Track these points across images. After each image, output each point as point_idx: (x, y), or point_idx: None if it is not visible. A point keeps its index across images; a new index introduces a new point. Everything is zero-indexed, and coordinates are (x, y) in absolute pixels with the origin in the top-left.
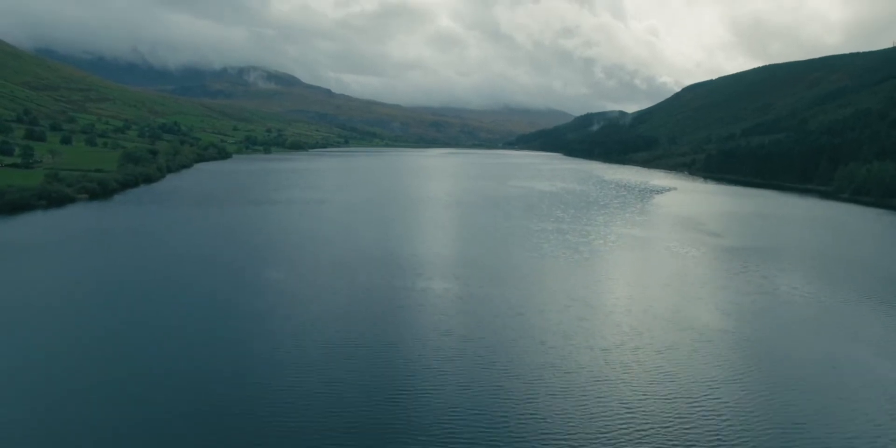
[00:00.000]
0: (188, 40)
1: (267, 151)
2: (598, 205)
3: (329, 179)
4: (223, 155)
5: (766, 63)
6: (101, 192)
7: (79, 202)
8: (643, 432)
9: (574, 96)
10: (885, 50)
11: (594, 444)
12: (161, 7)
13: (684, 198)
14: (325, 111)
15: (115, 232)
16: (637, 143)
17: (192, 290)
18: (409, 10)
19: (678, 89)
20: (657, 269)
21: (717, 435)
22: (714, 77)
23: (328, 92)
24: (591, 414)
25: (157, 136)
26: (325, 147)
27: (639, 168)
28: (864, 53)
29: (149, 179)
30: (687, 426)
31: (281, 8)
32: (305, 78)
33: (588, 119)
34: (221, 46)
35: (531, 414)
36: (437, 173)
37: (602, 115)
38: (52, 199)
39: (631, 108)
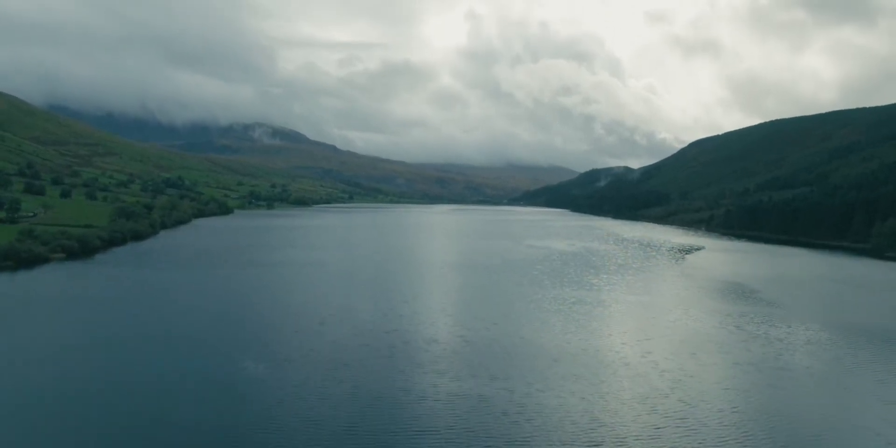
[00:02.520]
0: (196, 98)
1: (270, 207)
2: (631, 268)
3: (330, 238)
4: (224, 210)
5: (764, 119)
6: (80, 250)
7: (53, 262)
8: None
9: (575, 152)
10: (894, 105)
11: None
12: (172, 67)
13: (718, 258)
14: (330, 167)
15: (73, 298)
16: (648, 198)
17: (130, 397)
18: (411, 68)
19: (678, 145)
20: (746, 362)
21: None
22: (713, 133)
23: (333, 148)
24: None
25: (161, 190)
26: (329, 203)
27: (653, 225)
28: (873, 108)
29: (139, 236)
30: None
31: (287, 67)
32: (311, 134)
33: (594, 175)
34: (229, 104)
35: None
36: (446, 231)
37: (608, 171)
38: (22, 260)
39: (632, 163)
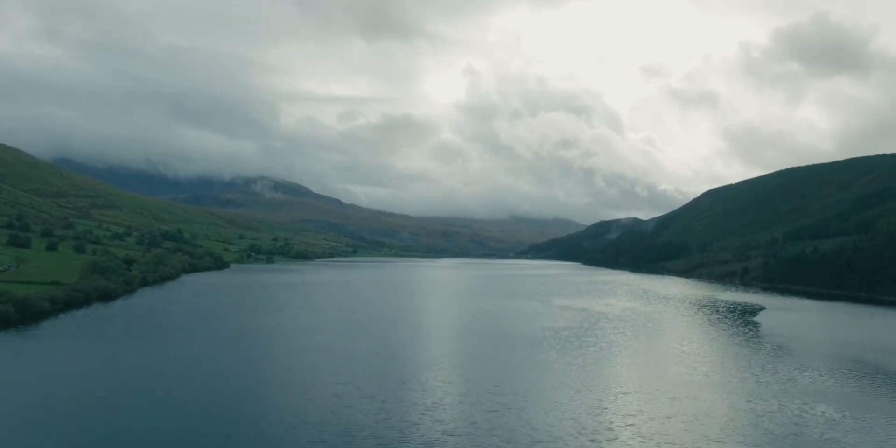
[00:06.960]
0: (200, 152)
1: (269, 261)
2: (704, 339)
3: (328, 297)
4: (219, 264)
5: (765, 170)
6: (18, 315)
7: None
8: None
9: (577, 205)
10: None
11: None
12: (177, 122)
13: (794, 320)
14: (335, 221)
15: None
16: (666, 250)
17: None
18: (412, 123)
19: (679, 196)
20: None
21: None
22: (714, 184)
23: (338, 202)
24: None
25: (157, 243)
26: (332, 256)
27: (681, 279)
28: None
29: (107, 295)
30: None
31: (288, 122)
32: (315, 188)
33: (604, 227)
34: (232, 158)
35: None
36: (460, 288)
37: (617, 223)
38: None
39: (636, 214)
